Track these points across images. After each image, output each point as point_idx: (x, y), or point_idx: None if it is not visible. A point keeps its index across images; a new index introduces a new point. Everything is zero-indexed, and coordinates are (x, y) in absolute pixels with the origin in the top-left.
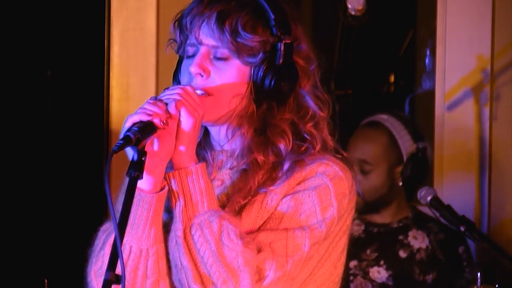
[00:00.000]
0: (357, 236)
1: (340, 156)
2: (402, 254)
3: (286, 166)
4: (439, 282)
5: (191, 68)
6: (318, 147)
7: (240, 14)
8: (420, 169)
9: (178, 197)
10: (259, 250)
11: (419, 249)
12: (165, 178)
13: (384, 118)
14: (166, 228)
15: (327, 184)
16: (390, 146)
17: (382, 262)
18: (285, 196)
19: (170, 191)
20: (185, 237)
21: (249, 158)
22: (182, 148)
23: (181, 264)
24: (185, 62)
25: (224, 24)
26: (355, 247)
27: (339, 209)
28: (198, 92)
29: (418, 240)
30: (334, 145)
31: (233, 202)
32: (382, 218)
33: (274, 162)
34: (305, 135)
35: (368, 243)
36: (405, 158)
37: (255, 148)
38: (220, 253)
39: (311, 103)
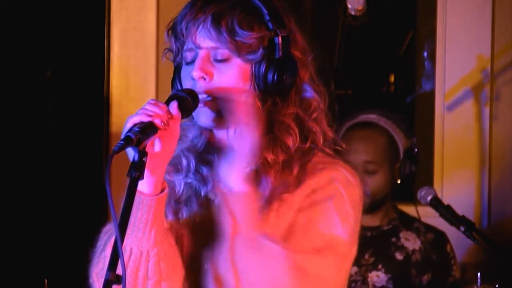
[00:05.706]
0: None
1: (339, 148)
2: (399, 256)
3: (295, 170)
4: (433, 282)
5: (194, 72)
6: (321, 143)
7: (234, 13)
8: (416, 165)
9: None
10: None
11: (413, 251)
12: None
13: (374, 117)
14: None
15: (342, 192)
16: (389, 144)
17: (380, 266)
18: (300, 205)
19: None
20: None
21: (259, 158)
22: None
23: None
24: (184, 68)
25: (221, 25)
26: None
27: (356, 218)
28: (203, 96)
29: (410, 242)
30: (333, 136)
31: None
32: (373, 220)
33: (283, 161)
34: (309, 128)
35: (364, 247)
36: (401, 155)
37: (264, 147)
38: None
39: (312, 94)
